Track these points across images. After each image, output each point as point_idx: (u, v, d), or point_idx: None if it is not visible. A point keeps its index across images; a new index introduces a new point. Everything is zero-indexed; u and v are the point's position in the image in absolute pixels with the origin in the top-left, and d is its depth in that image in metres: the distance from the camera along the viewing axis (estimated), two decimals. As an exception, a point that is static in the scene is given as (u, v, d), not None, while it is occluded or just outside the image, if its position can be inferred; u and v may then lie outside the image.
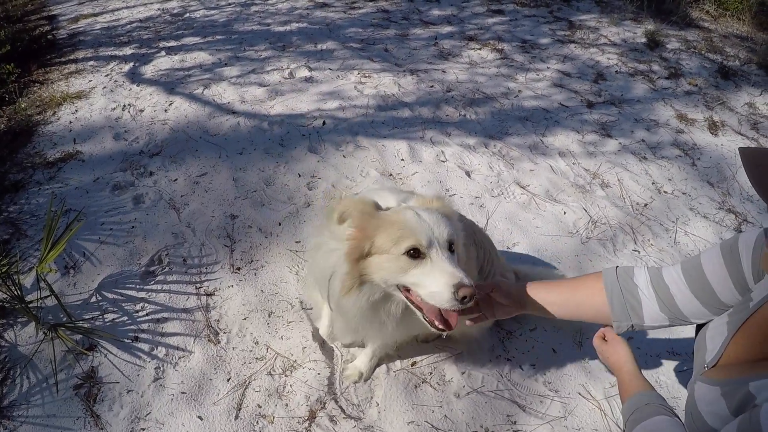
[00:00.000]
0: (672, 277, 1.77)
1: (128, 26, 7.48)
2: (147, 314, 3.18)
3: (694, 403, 1.47)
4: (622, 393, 1.75)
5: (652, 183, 4.68)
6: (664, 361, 3.14)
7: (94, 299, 3.26)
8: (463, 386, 2.90)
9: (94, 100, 5.38)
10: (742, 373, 1.33)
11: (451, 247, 1.92)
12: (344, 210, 2.01)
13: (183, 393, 2.77)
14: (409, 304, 1.97)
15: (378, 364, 2.97)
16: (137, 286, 3.35)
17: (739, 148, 1.31)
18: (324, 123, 5.05)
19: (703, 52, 7.43)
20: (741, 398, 1.28)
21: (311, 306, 3.27)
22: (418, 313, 1.95)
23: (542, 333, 3.24)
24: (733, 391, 1.33)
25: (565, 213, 4.17)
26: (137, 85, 5.68)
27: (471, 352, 3.07)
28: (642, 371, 1.86)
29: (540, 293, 2.06)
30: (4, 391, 2.75)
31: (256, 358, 2.97)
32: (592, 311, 1.98)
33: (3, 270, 3.15)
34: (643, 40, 7.61)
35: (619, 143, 5.20)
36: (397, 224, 1.88)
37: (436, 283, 1.79)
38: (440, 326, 1.87)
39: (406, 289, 1.94)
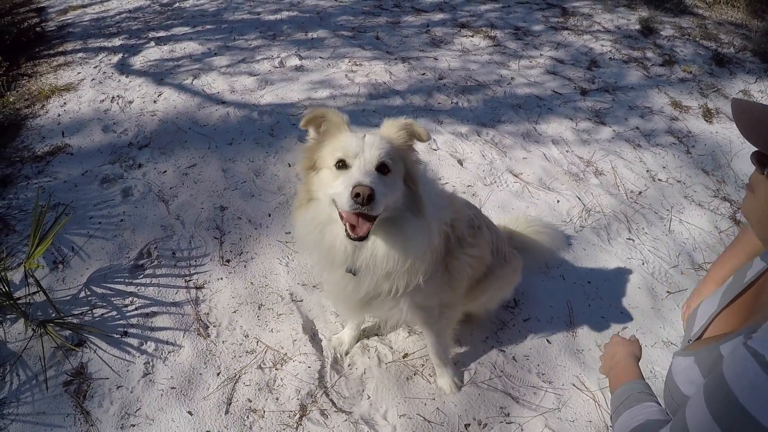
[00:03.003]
0: None
1: (117, 17, 7.42)
2: (136, 308, 3.16)
3: (671, 376, 1.45)
4: (613, 382, 1.72)
5: (647, 171, 4.65)
6: (659, 351, 3.12)
7: (83, 294, 3.23)
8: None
9: (82, 92, 5.33)
10: (716, 341, 1.31)
11: (382, 169, 1.89)
12: (318, 115, 2.06)
13: (173, 388, 2.75)
14: (338, 218, 1.93)
15: (360, 338, 3.01)
16: (126, 280, 3.31)
17: (732, 99, 1.32)
18: (315, 112, 5.00)
19: (697, 39, 7.39)
20: (713, 361, 1.27)
21: (301, 298, 3.24)
22: (344, 228, 1.90)
23: (536, 324, 3.22)
24: (705, 356, 1.31)
25: (558, 201, 4.14)
26: (126, 77, 5.62)
27: (464, 343, 3.05)
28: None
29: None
30: (-6, 388, 2.72)
31: (246, 352, 2.94)
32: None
33: (-9, 266, 3.11)
34: (637, 26, 7.56)
35: (613, 131, 5.17)
36: (339, 139, 1.96)
37: (341, 186, 1.83)
38: (352, 234, 1.84)
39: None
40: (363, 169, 1.84)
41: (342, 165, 1.89)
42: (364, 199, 1.74)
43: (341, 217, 1.88)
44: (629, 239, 3.88)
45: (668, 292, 3.50)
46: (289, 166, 4.29)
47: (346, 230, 1.87)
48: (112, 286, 3.28)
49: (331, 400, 2.73)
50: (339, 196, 1.83)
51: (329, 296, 2.60)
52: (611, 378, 1.70)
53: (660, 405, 1.50)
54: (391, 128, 2.06)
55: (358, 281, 2.13)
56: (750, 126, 1.22)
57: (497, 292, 2.88)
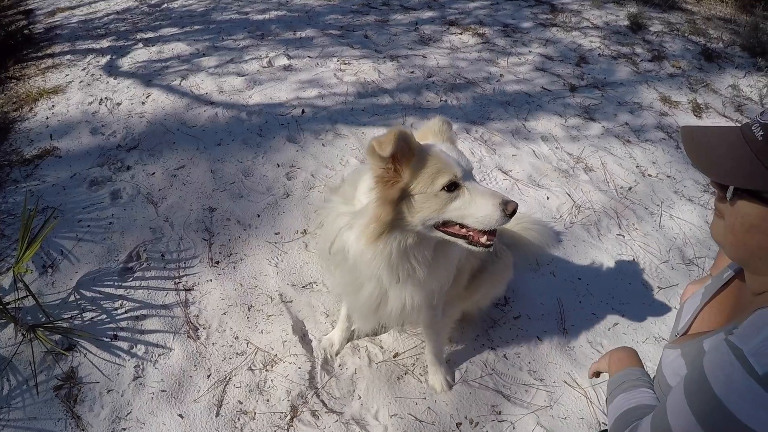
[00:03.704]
0: None
1: (105, 18, 7.38)
2: (126, 312, 3.14)
3: (660, 368, 1.47)
4: (611, 368, 1.71)
5: (636, 166, 4.66)
6: (650, 347, 3.13)
7: (72, 298, 3.21)
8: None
9: (70, 94, 5.30)
10: (701, 336, 1.33)
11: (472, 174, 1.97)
12: (388, 140, 1.83)
13: (163, 391, 2.74)
14: (447, 237, 1.97)
15: (350, 338, 3.01)
16: (115, 283, 3.30)
17: (682, 127, 1.32)
18: (303, 112, 5.00)
19: (686, 34, 7.41)
20: (695, 354, 1.28)
21: (291, 299, 3.24)
22: (461, 242, 1.97)
23: (526, 321, 3.22)
24: (690, 350, 1.33)
25: (548, 198, 4.15)
26: (114, 78, 5.59)
27: (455, 342, 3.05)
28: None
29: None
30: (-16, 394, 2.71)
31: (237, 354, 2.93)
32: None
33: (-22, 271, 3.10)
34: (626, 22, 7.58)
35: (603, 127, 5.18)
36: (431, 161, 1.88)
37: (484, 208, 1.86)
38: (487, 241, 1.93)
39: (443, 224, 1.95)
40: (479, 185, 1.93)
41: (453, 187, 1.88)
42: (514, 213, 1.86)
43: (452, 236, 1.95)
44: (619, 235, 3.89)
45: (659, 287, 3.51)
46: (278, 166, 4.28)
47: (471, 242, 1.95)
48: (101, 289, 3.27)
49: (322, 401, 2.72)
50: (481, 221, 1.87)
51: (355, 309, 2.56)
52: (610, 364, 1.70)
53: (654, 393, 1.51)
54: (431, 131, 2.13)
55: (395, 293, 2.16)
56: (694, 152, 1.24)
57: (490, 289, 2.89)
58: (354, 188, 2.10)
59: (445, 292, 2.42)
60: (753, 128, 1.15)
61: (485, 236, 1.92)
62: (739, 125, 1.20)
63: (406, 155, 1.85)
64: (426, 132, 2.14)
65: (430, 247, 2.06)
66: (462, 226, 1.93)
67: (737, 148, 1.16)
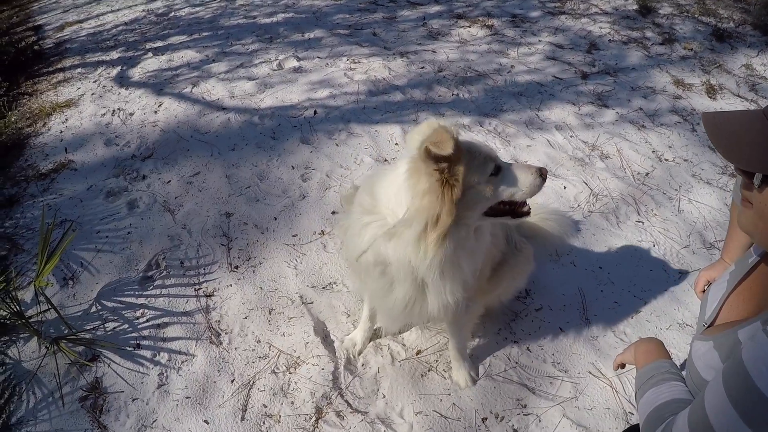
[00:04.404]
0: None
1: (114, 30, 7.41)
2: (147, 320, 3.16)
3: (691, 361, 1.43)
4: (639, 360, 1.68)
5: (653, 151, 4.61)
6: (674, 333, 3.09)
7: (94, 309, 3.24)
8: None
9: (83, 107, 5.34)
10: (734, 326, 1.30)
11: None
12: (443, 138, 1.79)
13: (188, 398, 2.75)
14: (494, 220, 2.15)
15: (372, 338, 3.00)
16: (136, 293, 3.32)
17: (702, 113, 1.29)
18: (315, 112, 5.00)
19: (696, 15, 7.31)
20: (731, 346, 1.26)
21: (311, 300, 3.24)
22: (506, 219, 2.17)
23: (548, 312, 3.20)
24: (724, 342, 1.30)
25: (565, 188, 4.11)
26: (126, 89, 5.62)
27: (477, 336, 3.04)
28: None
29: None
30: (12, 408, 2.74)
31: (259, 357, 2.94)
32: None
33: (1, 287, 3.12)
34: (635, 6, 7.50)
35: (617, 113, 5.13)
36: (472, 152, 1.95)
37: (525, 179, 2.04)
38: (527, 210, 2.18)
39: (498, 205, 2.09)
40: (509, 161, 2.15)
41: (496, 171, 2.00)
42: (546, 176, 2.09)
43: (497, 215, 2.11)
44: (638, 222, 3.85)
45: (680, 273, 3.47)
46: (293, 168, 4.28)
47: (515, 217, 2.16)
48: (122, 299, 3.29)
49: (347, 401, 2.72)
50: (527, 191, 2.05)
51: (384, 311, 2.54)
52: (637, 357, 1.67)
53: (686, 386, 1.48)
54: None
55: (435, 291, 2.16)
56: (717, 139, 1.22)
57: (512, 282, 2.86)
58: (372, 197, 2.09)
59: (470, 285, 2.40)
60: None
61: (526, 207, 2.15)
62: (762, 109, 1.17)
63: (458, 150, 1.84)
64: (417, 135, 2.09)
65: (471, 238, 2.11)
66: (503, 203, 2.09)
67: (762, 132, 1.13)
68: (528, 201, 2.15)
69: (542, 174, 2.06)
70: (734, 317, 1.42)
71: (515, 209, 2.15)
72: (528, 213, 2.17)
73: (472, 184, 1.91)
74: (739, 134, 1.17)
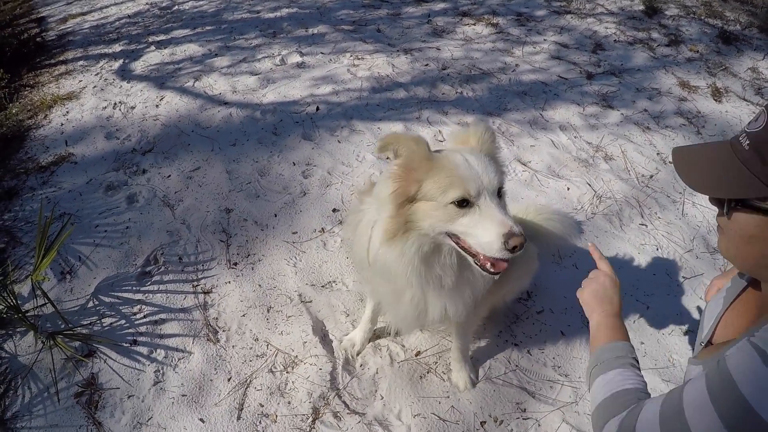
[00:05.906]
0: None
1: (117, 23, 7.40)
2: (145, 316, 3.13)
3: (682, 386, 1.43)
4: (604, 335, 1.65)
5: (657, 153, 4.57)
6: (676, 338, 3.06)
7: (91, 304, 3.21)
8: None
9: (84, 100, 5.31)
10: (720, 350, 1.30)
11: (499, 193, 1.85)
12: (392, 143, 1.83)
13: (184, 395, 2.72)
14: (459, 250, 1.88)
15: (371, 338, 2.96)
16: (134, 288, 3.29)
17: (673, 149, 1.36)
18: (318, 109, 4.97)
19: (702, 17, 7.28)
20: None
21: (310, 299, 3.21)
22: (470, 259, 1.86)
23: (549, 315, 3.16)
24: (712, 363, 1.30)
25: (568, 189, 4.08)
26: (127, 82, 5.60)
27: (477, 338, 3.01)
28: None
29: None
30: (7, 403, 2.71)
31: (257, 356, 2.91)
32: None
33: (-1, 280, 3.10)
34: (641, 7, 7.46)
35: (621, 114, 5.09)
36: (445, 171, 1.77)
37: (487, 233, 1.74)
38: (492, 270, 1.81)
39: (455, 236, 1.85)
40: (497, 208, 1.77)
41: (463, 203, 1.76)
42: (519, 249, 1.71)
43: (463, 250, 1.85)
44: (642, 225, 3.82)
45: (684, 277, 3.44)
46: (294, 164, 4.25)
47: (478, 264, 1.84)
48: (119, 294, 3.26)
49: (344, 402, 2.69)
50: (481, 246, 1.76)
51: (397, 316, 2.50)
52: (601, 329, 1.64)
53: (635, 372, 1.47)
54: (473, 136, 1.98)
55: (433, 300, 2.12)
56: (686, 173, 1.27)
57: (517, 282, 2.83)
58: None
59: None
60: (740, 139, 1.18)
61: (490, 263, 1.81)
62: (729, 139, 1.24)
63: (417, 161, 1.79)
64: (466, 137, 2.04)
65: (452, 254, 1.97)
66: (467, 246, 1.84)
67: (727, 161, 1.19)
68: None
69: (509, 244, 1.70)
70: (730, 335, 1.43)
71: (479, 258, 1.84)
72: (493, 273, 1.84)
73: (424, 198, 1.80)
74: (706, 164, 1.24)
